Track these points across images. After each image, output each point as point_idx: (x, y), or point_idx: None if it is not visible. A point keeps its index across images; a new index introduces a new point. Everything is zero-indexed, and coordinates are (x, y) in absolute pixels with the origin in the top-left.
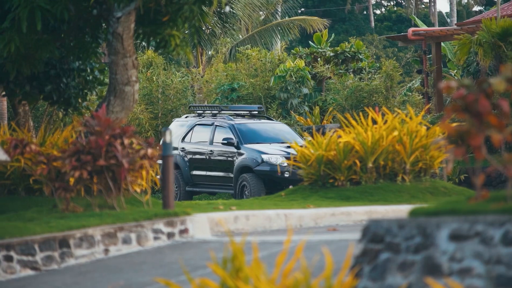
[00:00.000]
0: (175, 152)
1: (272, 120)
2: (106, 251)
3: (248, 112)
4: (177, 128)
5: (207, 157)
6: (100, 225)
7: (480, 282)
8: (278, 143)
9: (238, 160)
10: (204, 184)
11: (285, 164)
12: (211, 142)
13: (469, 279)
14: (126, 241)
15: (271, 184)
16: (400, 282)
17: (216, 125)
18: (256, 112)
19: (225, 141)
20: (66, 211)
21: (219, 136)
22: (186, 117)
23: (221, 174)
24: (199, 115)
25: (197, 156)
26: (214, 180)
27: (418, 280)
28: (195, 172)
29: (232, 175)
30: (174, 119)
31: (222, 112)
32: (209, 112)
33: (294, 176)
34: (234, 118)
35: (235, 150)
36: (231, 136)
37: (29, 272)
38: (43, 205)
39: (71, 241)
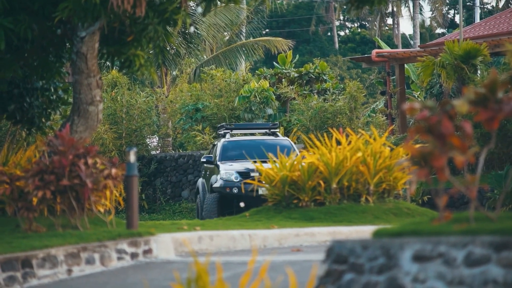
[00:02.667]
0: None
1: (278, 136)
2: (69, 271)
3: (260, 129)
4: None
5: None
6: (63, 245)
7: None
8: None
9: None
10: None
11: (236, 180)
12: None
13: None
14: (90, 261)
15: (225, 201)
16: None
17: (215, 144)
18: (268, 130)
19: (205, 159)
20: (29, 231)
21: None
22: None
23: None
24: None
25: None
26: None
27: None
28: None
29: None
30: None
31: (234, 131)
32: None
33: (245, 193)
34: (237, 136)
35: (213, 167)
36: (213, 154)
37: None
38: (6, 225)
39: (34, 261)
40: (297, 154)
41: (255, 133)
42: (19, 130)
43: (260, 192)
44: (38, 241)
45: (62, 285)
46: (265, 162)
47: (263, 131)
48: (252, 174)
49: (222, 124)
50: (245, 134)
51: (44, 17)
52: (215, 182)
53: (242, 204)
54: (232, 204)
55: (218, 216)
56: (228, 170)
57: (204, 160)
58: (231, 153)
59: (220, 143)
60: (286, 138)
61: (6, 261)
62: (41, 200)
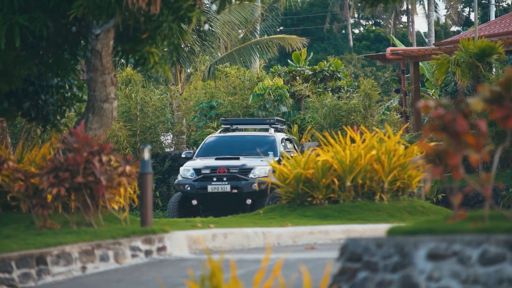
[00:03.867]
0: None
1: (270, 131)
2: (84, 268)
3: (257, 124)
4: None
5: None
6: (77, 242)
7: None
8: (248, 156)
9: None
10: None
11: (191, 177)
12: None
13: None
14: (104, 258)
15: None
16: None
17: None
18: (269, 125)
19: (185, 156)
20: (44, 228)
21: None
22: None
23: None
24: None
25: None
26: None
27: None
28: None
29: None
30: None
31: (234, 126)
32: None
33: (197, 191)
34: (230, 131)
35: None
36: (193, 150)
37: None
38: (20, 222)
39: (48, 258)
40: (287, 150)
41: (250, 129)
42: (34, 127)
43: (213, 190)
44: (53, 238)
45: (76, 282)
46: (236, 159)
47: (265, 126)
48: (205, 171)
49: (222, 119)
50: (240, 130)
51: (59, 14)
52: (176, 179)
53: (194, 202)
54: (198, 203)
55: (180, 217)
56: (187, 167)
57: (184, 156)
58: (213, 149)
59: (206, 139)
60: (274, 134)
61: (20, 258)
62: (56, 197)
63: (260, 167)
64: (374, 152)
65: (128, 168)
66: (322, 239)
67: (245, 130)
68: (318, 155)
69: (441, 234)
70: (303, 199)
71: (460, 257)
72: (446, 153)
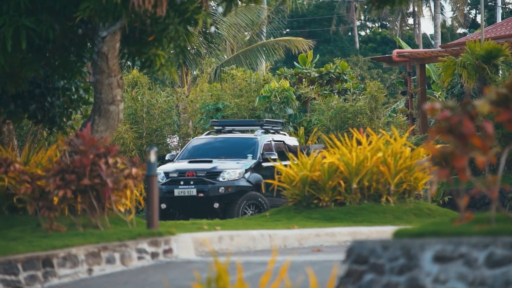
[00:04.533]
0: None
1: (256, 133)
2: (90, 270)
3: (247, 126)
4: None
5: None
6: (83, 244)
7: None
8: (224, 159)
9: None
10: None
11: (162, 180)
12: None
13: None
14: (110, 260)
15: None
16: None
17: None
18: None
19: (167, 158)
20: (50, 230)
21: None
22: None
23: None
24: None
25: None
26: None
27: None
28: None
29: None
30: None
31: (226, 128)
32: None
33: (160, 193)
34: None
35: None
36: (176, 153)
37: None
38: (27, 224)
39: (55, 260)
40: (269, 152)
41: (238, 131)
42: (41, 129)
43: (180, 194)
44: (59, 240)
45: (83, 284)
46: (209, 162)
47: (255, 127)
48: (173, 175)
49: (212, 120)
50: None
51: (66, 17)
52: None
53: (163, 206)
54: (167, 207)
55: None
56: (159, 170)
57: (167, 158)
58: (195, 152)
59: (191, 142)
60: (258, 136)
61: (27, 260)
62: (62, 199)
63: (230, 170)
64: (380, 154)
65: (134, 170)
66: (328, 241)
67: (245, 131)
68: (324, 157)
69: (448, 237)
70: (309, 201)
71: (467, 259)
72: (452, 155)
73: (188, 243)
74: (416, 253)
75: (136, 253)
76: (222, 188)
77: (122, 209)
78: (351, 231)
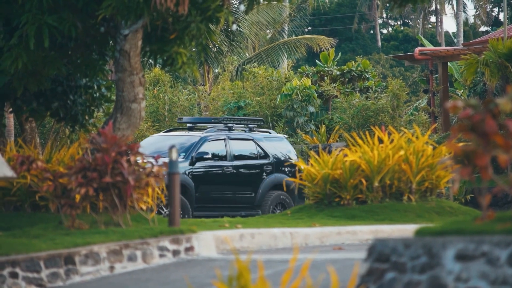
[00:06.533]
0: None
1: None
2: (112, 268)
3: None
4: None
5: None
6: (105, 242)
7: None
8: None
9: None
10: None
11: None
12: None
13: None
14: (132, 258)
15: None
16: None
17: None
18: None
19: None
20: (72, 228)
21: None
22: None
23: None
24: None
25: None
26: None
27: None
28: None
29: None
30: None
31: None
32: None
33: None
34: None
35: None
36: None
37: None
38: (49, 222)
39: (77, 258)
40: (205, 152)
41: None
42: (63, 127)
43: None
44: (81, 238)
45: (105, 281)
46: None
47: (219, 125)
48: None
49: (178, 118)
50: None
51: (88, 15)
52: None
53: None
54: None
55: None
56: None
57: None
58: (146, 149)
59: (146, 139)
60: (200, 134)
61: (49, 258)
62: (84, 197)
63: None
64: (402, 152)
65: (156, 168)
66: (349, 239)
67: (248, 130)
68: (346, 155)
69: (470, 235)
70: (331, 199)
71: (489, 258)
72: (474, 154)
73: (209, 241)
74: (438, 252)
75: (157, 250)
76: None
77: (144, 207)
78: (372, 229)
